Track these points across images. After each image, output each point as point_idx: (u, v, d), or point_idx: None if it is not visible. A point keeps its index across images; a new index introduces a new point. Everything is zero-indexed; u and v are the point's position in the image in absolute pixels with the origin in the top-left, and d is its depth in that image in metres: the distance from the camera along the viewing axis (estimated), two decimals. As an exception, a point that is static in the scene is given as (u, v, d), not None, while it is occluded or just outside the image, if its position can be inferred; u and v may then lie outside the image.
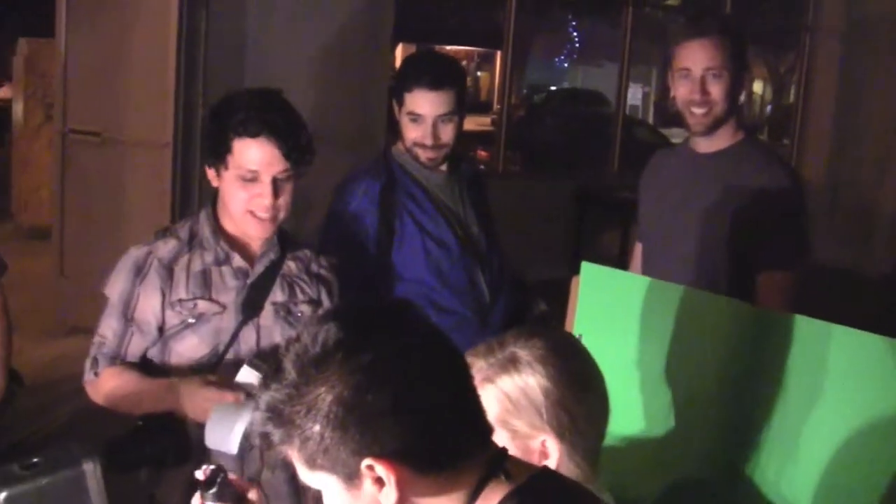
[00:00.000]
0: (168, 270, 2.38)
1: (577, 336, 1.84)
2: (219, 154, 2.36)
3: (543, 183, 9.03)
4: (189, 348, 2.38)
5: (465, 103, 2.98)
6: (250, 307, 2.39)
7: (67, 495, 1.88)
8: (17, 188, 8.59)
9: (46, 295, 6.22)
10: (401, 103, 2.92)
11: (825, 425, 2.03)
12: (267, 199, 2.33)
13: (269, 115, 2.34)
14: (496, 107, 10.59)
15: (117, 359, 2.40)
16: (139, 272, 2.39)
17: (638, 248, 3.23)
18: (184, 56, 5.61)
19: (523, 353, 1.70)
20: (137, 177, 5.92)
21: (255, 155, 2.32)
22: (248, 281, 2.41)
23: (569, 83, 16.38)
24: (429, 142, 2.89)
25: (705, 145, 2.91)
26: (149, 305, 2.38)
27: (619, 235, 8.25)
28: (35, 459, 1.89)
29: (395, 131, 3.12)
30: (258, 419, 1.32)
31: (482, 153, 10.14)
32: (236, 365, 2.32)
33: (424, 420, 1.29)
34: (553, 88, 14.96)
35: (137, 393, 2.35)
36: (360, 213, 2.89)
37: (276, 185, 2.34)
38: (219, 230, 2.43)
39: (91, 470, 1.89)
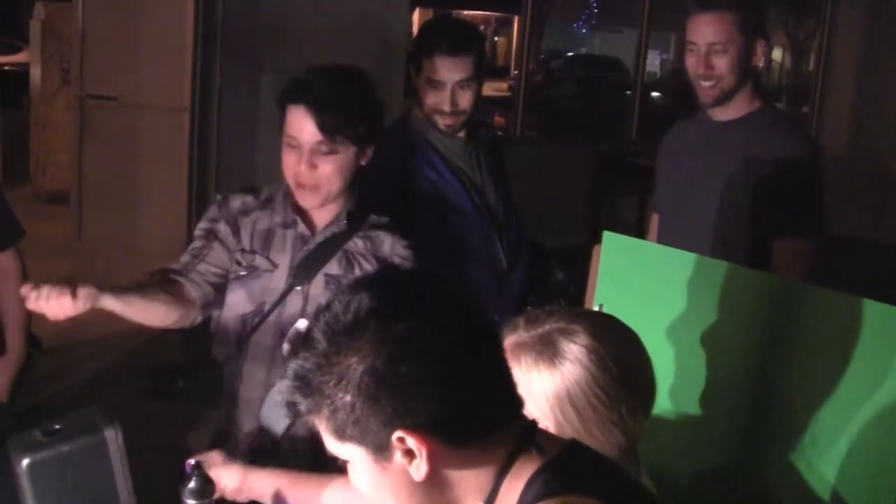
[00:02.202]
0: (233, 221, 2.46)
1: (599, 307, 1.80)
2: (281, 120, 2.41)
3: (561, 149, 8.99)
4: (237, 302, 2.44)
5: (484, 69, 2.96)
6: (303, 272, 2.42)
7: (89, 461, 1.88)
8: (35, 152, 8.60)
9: (64, 259, 6.24)
10: (419, 69, 2.91)
11: (848, 396, 2.02)
12: (303, 166, 2.36)
13: (316, 86, 2.37)
14: (513, 72, 10.53)
15: (190, 268, 2.44)
16: (213, 220, 2.48)
17: (655, 218, 3.22)
18: (201, 20, 5.59)
19: (562, 342, 1.66)
20: (155, 141, 5.92)
21: (294, 122, 2.36)
22: (306, 247, 2.43)
23: (587, 49, 16.25)
24: (447, 108, 2.88)
25: (721, 114, 2.90)
26: (221, 250, 2.45)
27: (637, 202, 8.21)
28: (57, 426, 1.90)
29: (412, 97, 3.11)
30: (286, 388, 1.31)
31: (499, 119, 10.10)
32: (276, 326, 2.40)
33: (457, 392, 1.27)
34: (571, 54, 14.85)
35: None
36: (378, 179, 2.89)
37: (313, 154, 2.36)
38: (289, 194, 2.47)
39: (112, 436, 1.90)
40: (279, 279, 2.43)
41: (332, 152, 2.37)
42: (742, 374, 2.22)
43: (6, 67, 8.70)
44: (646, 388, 1.72)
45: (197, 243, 2.49)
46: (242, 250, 2.45)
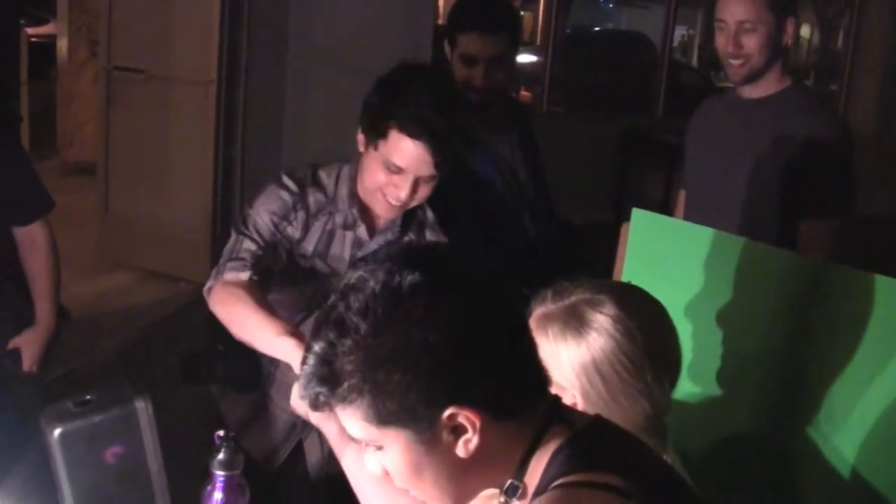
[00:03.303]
0: (309, 224, 2.39)
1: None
2: (375, 132, 2.28)
3: (587, 124, 8.95)
4: (289, 298, 2.42)
5: (518, 46, 2.96)
6: None
7: (120, 432, 1.90)
8: (62, 124, 8.62)
9: (91, 231, 6.27)
10: (453, 44, 2.90)
11: (867, 373, 2.01)
12: (403, 193, 2.29)
13: (438, 120, 2.23)
14: (540, 47, 10.47)
15: (256, 266, 2.31)
16: (286, 217, 2.38)
17: (681, 195, 3.21)
18: (228, -8, 5.59)
19: (589, 312, 1.67)
20: (182, 114, 5.93)
21: (407, 153, 2.25)
22: (359, 253, 2.42)
23: (614, 24, 16.13)
24: (480, 84, 2.87)
25: (750, 92, 2.89)
26: (287, 244, 2.38)
27: (663, 180, 8.17)
28: (88, 397, 1.91)
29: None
30: (314, 378, 1.27)
31: (525, 93, 10.04)
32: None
33: (500, 366, 1.27)
34: (597, 29, 14.74)
35: (254, 325, 2.20)
36: None
37: (417, 182, 2.29)
38: (354, 194, 2.41)
39: (143, 408, 1.91)
40: (334, 282, 2.39)
41: (434, 179, 2.31)
42: (765, 353, 2.22)
43: (33, 39, 8.71)
44: (671, 358, 1.74)
45: (262, 232, 2.35)
46: (303, 255, 2.41)
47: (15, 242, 3.05)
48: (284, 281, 2.41)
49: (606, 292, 1.71)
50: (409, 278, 1.23)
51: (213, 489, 1.93)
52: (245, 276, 2.28)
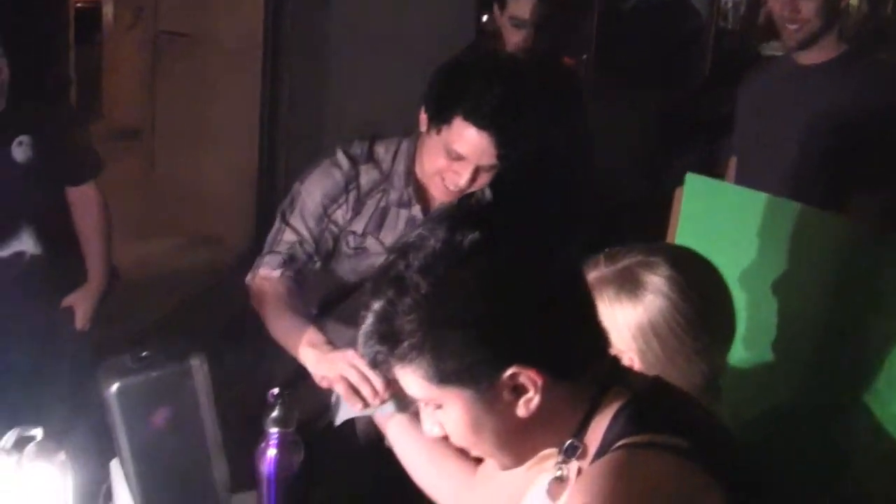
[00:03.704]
0: (362, 203, 2.38)
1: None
2: (439, 117, 2.24)
3: (629, 92, 8.86)
4: (342, 274, 2.43)
5: (567, 9, 2.95)
6: None
7: (175, 389, 1.92)
8: (108, 89, 8.64)
9: (135, 195, 6.30)
10: (503, 7, 2.89)
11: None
12: (462, 181, 2.26)
13: (504, 111, 2.19)
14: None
15: (303, 269, 2.38)
16: (336, 199, 2.38)
17: (732, 161, 3.18)
18: (273, -44, 5.58)
19: (643, 274, 1.66)
20: (227, 78, 5.93)
21: (470, 143, 2.21)
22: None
23: (657, -9, 15.93)
24: (530, 46, 2.87)
25: (806, 57, 2.84)
26: (335, 228, 2.39)
27: (704, 152, 8.08)
28: (144, 353, 1.93)
29: (484, 38, 3.10)
30: (374, 336, 1.26)
31: (568, 60, 9.94)
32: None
33: (562, 325, 1.26)
34: (641, -4, 14.57)
35: (278, 323, 2.32)
36: None
37: (477, 171, 2.26)
38: (412, 172, 2.39)
39: (198, 366, 1.93)
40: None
41: (496, 168, 2.28)
42: (819, 319, 2.19)
43: (79, 5, 8.74)
44: (727, 318, 1.73)
45: (308, 219, 2.38)
46: (354, 233, 2.40)
47: (67, 203, 3.08)
48: (339, 258, 2.42)
49: (660, 254, 1.70)
50: (471, 236, 1.22)
51: (267, 446, 1.95)
52: (277, 273, 2.35)
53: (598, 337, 1.34)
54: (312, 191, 2.39)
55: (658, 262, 1.68)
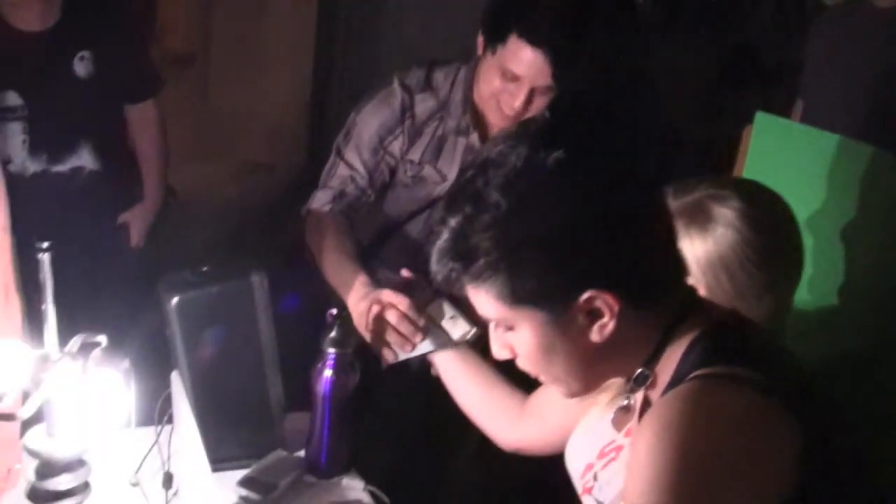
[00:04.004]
0: (418, 132, 2.36)
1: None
2: (495, 35, 2.20)
3: (686, 37, 8.70)
4: (399, 202, 2.43)
5: None
6: None
7: (235, 304, 1.92)
8: (162, 13, 8.63)
9: (188, 120, 6.30)
10: None
11: None
12: (517, 103, 2.21)
13: (560, 30, 2.12)
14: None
15: (355, 204, 2.39)
16: (392, 130, 2.37)
17: (799, 104, 3.13)
18: None
19: (714, 207, 1.63)
20: (282, 4, 5.89)
21: (525, 61, 2.15)
22: (471, 158, 2.37)
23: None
24: None
25: (883, 1, 2.76)
26: (391, 160, 2.38)
27: (763, 96, 7.95)
28: (205, 268, 1.93)
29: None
30: (448, 253, 1.23)
31: (626, 2, 9.80)
32: (426, 224, 2.37)
33: (642, 250, 1.22)
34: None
35: (324, 260, 2.33)
36: None
37: (532, 93, 2.21)
38: (469, 99, 2.35)
39: (258, 282, 1.93)
40: (445, 188, 2.38)
41: (551, 91, 2.22)
42: (886, 263, 2.15)
43: (134, -73, 8.71)
44: (797, 254, 1.70)
45: (363, 152, 2.37)
46: (411, 162, 2.38)
47: (125, 121, 3.08)
48: (397, 188, 2.41)
49: (730, 187, 1.67)
50: (554, 155, 1.18)
51: (324, 367, 1.95)
52: (326, 208, 2.36)
53: (677, 265, 1.30)
54: (368, 121, 2.38)
55: (728, 196, 1.64)
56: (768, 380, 1.19)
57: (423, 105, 2.37)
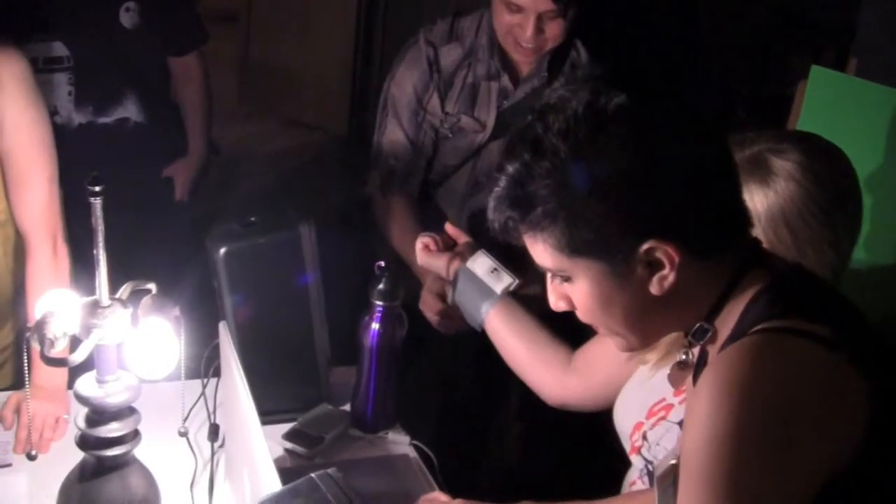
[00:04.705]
0: (448, 83, 2.37)
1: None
2: None
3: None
4: (443, 156, 2.42)
5: None
6: (501, 128, 2.36)
7: (282, 255, 1.92)
8: (204, -29, 8.63)
9: (231, 78, 6.30)
10: None
11: None
12: (528, 32, 2.24)
13: None
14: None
15: (409, 176, 2.42)
16: (427, 86, 2.38)
17: (852, 64, 3.05)
18: None
19: (774, 160, 1.59)
20: (325, -38, 5.85)
21: None
22: (506, 103, 2.36)
23: None
24: None
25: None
26: (432, 119, 2.39)
27: (811, 59, 7.82)
28: (252, 219, 1.92)
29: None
30: (505, 200, 1.20)
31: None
32: (470, 176, 2.35)
33: (707, 201, 1.18)
34: None
35: (396, 239, 2.41)
36: None
37: (540, 19, 2.23)
38: (496, 44, 2.36)
39: (306, 233, 1.92)
40: (485, 137, 2.39)
41: (560, 16, 2.24)
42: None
43: None
44: (857, 208, 1.66)
45: (395, 137, 2.40)
46: (447, 114, 2.38)
47: (170, 74, 3.07)
48: (439, 141, 2.40)
49: (790, 141, 1.63)
50: (616, 100, 1.14)
51: (371, 319, 1.94)
52: (382, 191, 2.43)
53: (741, 216, 1.26)
54: (402, 85, 2.40)
55: (789, 149, 1.60)
56: (835, 335, 1.16)
57: (449, 56, 2.38)
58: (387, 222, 2.42)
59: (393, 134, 2.40)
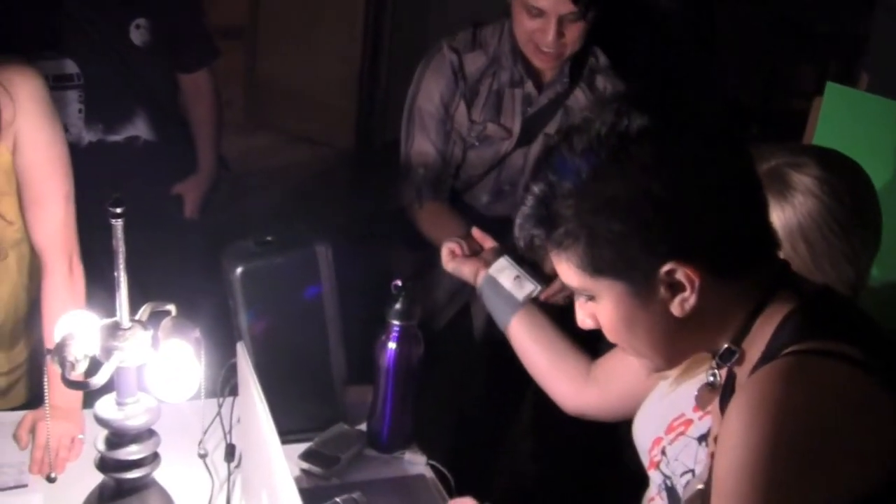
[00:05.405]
0: (474, 91, 2.38)
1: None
2: None
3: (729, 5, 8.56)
4: (470, 165, 2.43)
5: None
6: (526, 134, 2.36)
7: (299, 274, 1.91)
8: (209, -14, 8.64)
9: (236, 92, 6.30)
10: None
11: None
12: (549, 36, 2.26)
13: None
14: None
15: (440, 184, 2.43)
16: (453, 94, 2.39)
17: (864, 79, 3.05)
18: None
19: (792, 174, 1.58)
20: (331, -23, 5.86)
21: None
22: (530, 109, 2.36)
23: None
24: None
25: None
26: (459, 127, 2.40)
27: (814, 71, 7.81)
28: (269, 238, 1.92)
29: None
30: (530, 218, 1.22)
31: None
32: (495, 184, 2.37)
33: (729, 222, 1.18)
34: None
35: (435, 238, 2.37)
36: None
37: (561, 23, 2.25)
38: (518, 51, 2.37)
39: (323, 252, 1.91)
40: (510, 144, 2.40)
41: (581, 19, 2.26)
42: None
43: None
44: (876, 223, 1.65)
45: (423, 144, 2.41)
46: (473, 122, 2.39)
47: (179, 90, 3.07)
48: (465, 150, 2.41)
49: (808, 154, 1.63)
50: (638, 122, 1.15)
51: (388, 339, 1.93)
52: (417, 204, 2.43)
53: (766, 236, 1.26)
54: (429, 93, 2.40)
55: (807, 163, 1.59)
56: (867, 357, 1.15)
57: (474, 64, 2.39)
58: (431, 227, 2.42)
59: (421, 145, 2.41)
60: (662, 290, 1.20)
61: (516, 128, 2.37)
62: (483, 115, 2.38)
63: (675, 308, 1.21)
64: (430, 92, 2.40)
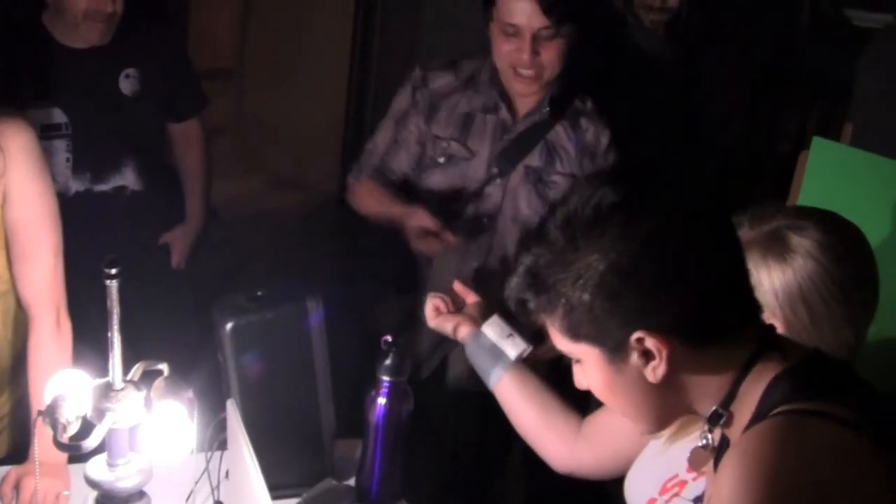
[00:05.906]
0: (435, 107, 2.44)
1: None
2: (487, 4, 2.35)
3: (721, 48, 8.62)
4: (435, 184, 2.46)
5: None
6: (504, 163, 2.38)
7: (290, 329, 1.90)
8: (196, 29, 8.65)
9: (222, 136, 6.30)
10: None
11: None
12: (525, 55, 2.31)
13: None
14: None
15: (380, 170, 2.52)
16: (413, 96, 2.48)
17: (848, 129, 3.08)
18: None
19: (792, 237, 1.59)
20: (317, 21, 5.88)
21: (514, 8, 2.29)
22: (506, 136, 2.38)
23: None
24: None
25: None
26: (415, 129, 2.47)
27: (801, 118, 7.87)
28: (259, 293, 1.91)
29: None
30: (517, 285, 1.27)
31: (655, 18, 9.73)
32: (473, 219, 2.38)
33: (699, 291, 1.21)
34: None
35: (377, 213, 2.49)
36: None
37: (536, 41, 2.29)
38: (496, 78, 2.42)
39: (313, 307, 1.91)
40: (478, 168, 2.41)
41: (555, 36, 2.30)
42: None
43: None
44: (874, 285, 1.66)
45: (383, 137, 2.52)
46: (436, 137, 2.42)
47: (167, 139, 3.07)
48: (431, 167, 2.46)
49: (808, 217, 1.64)
50: (610, 198, 1.21)
51: (378, 394, 1.93)
52: (354, 179, 2.56)
53: (746, 301, 1.28)
54: (394, 101, 2.54)
55: (807, 226, 1.61)
56: (857, 416, 1.17)
57: (439, 81, 2.47)
58: (363, 199, 2.53)
59: (381, 132, 2.54)
60: (635, 357, 1.24)
61: (484, 151, 2.40)
62: (448, 132, 2.43)
63: (649, 375, 1.24)
64: (396, 98, 2.53)
